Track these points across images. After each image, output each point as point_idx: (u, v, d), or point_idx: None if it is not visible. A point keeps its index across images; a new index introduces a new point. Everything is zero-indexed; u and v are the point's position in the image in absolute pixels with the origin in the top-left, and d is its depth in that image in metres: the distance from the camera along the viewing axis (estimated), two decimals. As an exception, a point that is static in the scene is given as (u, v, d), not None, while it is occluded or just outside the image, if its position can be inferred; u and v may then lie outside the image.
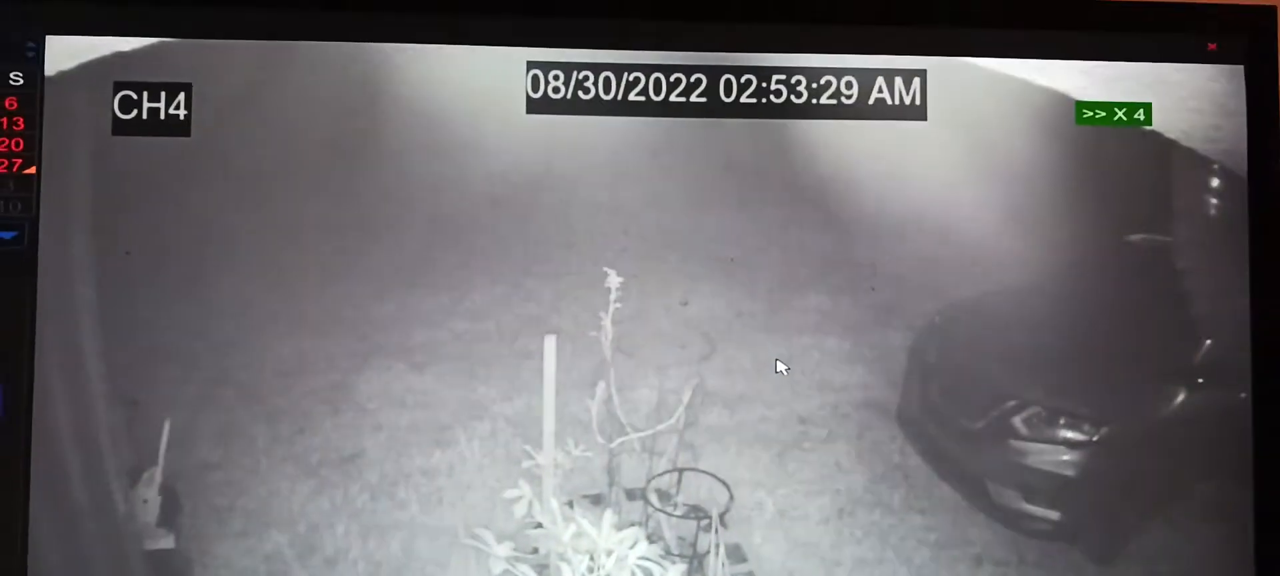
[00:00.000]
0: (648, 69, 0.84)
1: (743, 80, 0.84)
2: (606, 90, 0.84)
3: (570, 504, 0.82)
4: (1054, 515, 0.83)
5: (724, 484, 0.82)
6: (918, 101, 0.85)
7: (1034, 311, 0.84)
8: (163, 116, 0.82)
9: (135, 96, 0.82)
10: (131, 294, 0.80)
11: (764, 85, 0.84)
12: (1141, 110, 0.86)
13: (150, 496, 0.79)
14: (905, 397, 0.83)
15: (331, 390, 0.81)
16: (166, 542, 0.80)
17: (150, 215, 0.81)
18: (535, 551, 0.81)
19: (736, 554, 0.82)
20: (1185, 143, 0.87)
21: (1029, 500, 0.83)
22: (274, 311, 0.80)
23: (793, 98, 0.85)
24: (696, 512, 0.83)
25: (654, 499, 0.83)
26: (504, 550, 0.81)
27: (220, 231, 0.81)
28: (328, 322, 0.81)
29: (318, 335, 0.81)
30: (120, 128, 0.82)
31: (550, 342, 0.81)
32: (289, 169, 0.82)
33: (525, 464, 0.81)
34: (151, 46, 0.82)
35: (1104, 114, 0.86)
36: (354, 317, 0.81)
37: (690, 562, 0.82)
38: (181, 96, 0.82)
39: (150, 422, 0.79)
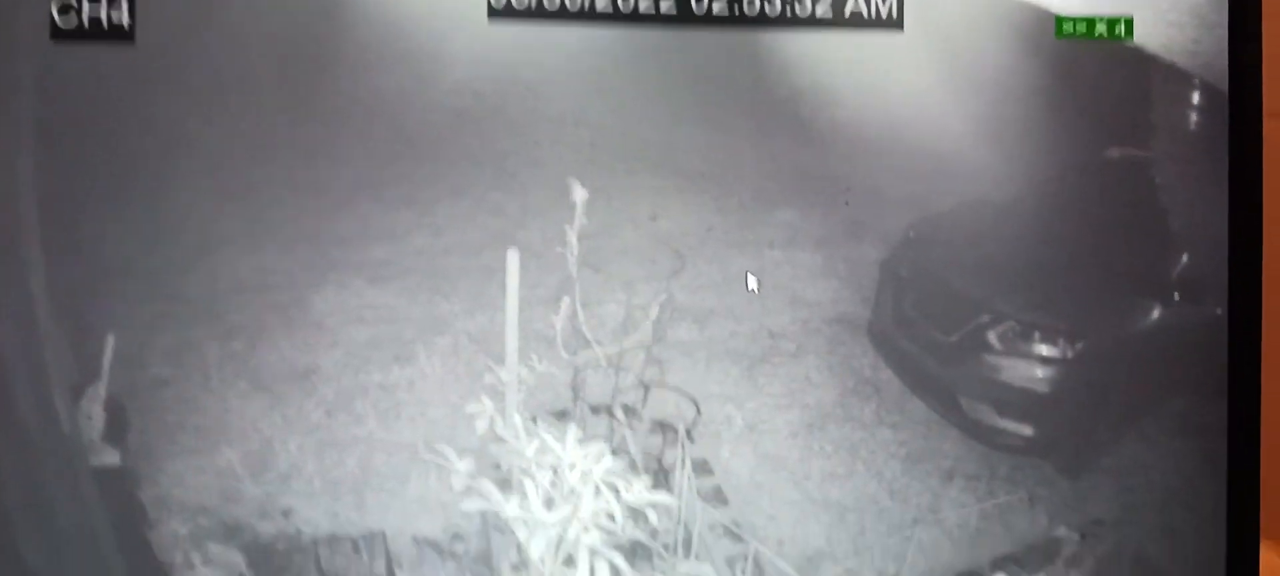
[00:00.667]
0: (615, -29, 0.80)
1: (714, -15, 0.81)
2: (571, -5, 0.80)
3: (534, 419, 0.80)
4: (1026, 430, 0.82)
5: (691, 399, 0.80)
6: (894, 12, 0.82)
7: (1010, 226, 0.82)
8: (105, 23, 0.77)
9: (74, 1, 0.77)
10: (77, 207, 0.76)
11: (736, -9, 0.81)
12: (1122, 24, 0.84)
13: (95, 412, 0.77)
14: (877, 312, 0.82)
15: (288, 306, 0.78)
16: (113, 459, 0.77)
17: (96, 126, 0.77)
18: (498, 467, 0.79)
19: (703, 468, 0.81)
20: (1165, 57, 0.84)
21: (1001, 414, 0.82)
22: (227, 226, 0.77)
23: (766, 7, 0.81)
24: (663, 427, 0.81)
25: (620, 414, 0.81)
26: (465, 466, 0.79)
27: (171, 143, 0.78)
28: (284, 238, 0.78)
29: (274, 250, 0.77)
30: (59, 34, 0.77)
31: (514, 257, 0.78)
32: (242, 79, 0.79)
33: (487, 379, 0.79)
34: (91, -56, 0.77)
35: (1084, 27, 0.83)
36: (312, 233, 0.78)
37: (656, 476, 0.80)
38: (124, 1, 0.77)
39: (94, 338, 0.76)
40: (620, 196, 0.79)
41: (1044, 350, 0.82)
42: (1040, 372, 0.82)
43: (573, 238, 0.78)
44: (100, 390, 0.77)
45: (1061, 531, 0.82)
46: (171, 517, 0.77)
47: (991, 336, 0.82)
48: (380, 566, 0.79)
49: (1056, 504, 0.82)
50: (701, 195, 0.80)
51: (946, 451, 0.82)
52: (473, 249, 0.79)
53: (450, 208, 0.79)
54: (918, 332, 0.82)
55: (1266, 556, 0.82)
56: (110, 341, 0.76)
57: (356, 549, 0.79)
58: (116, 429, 0.77)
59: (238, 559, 0.78)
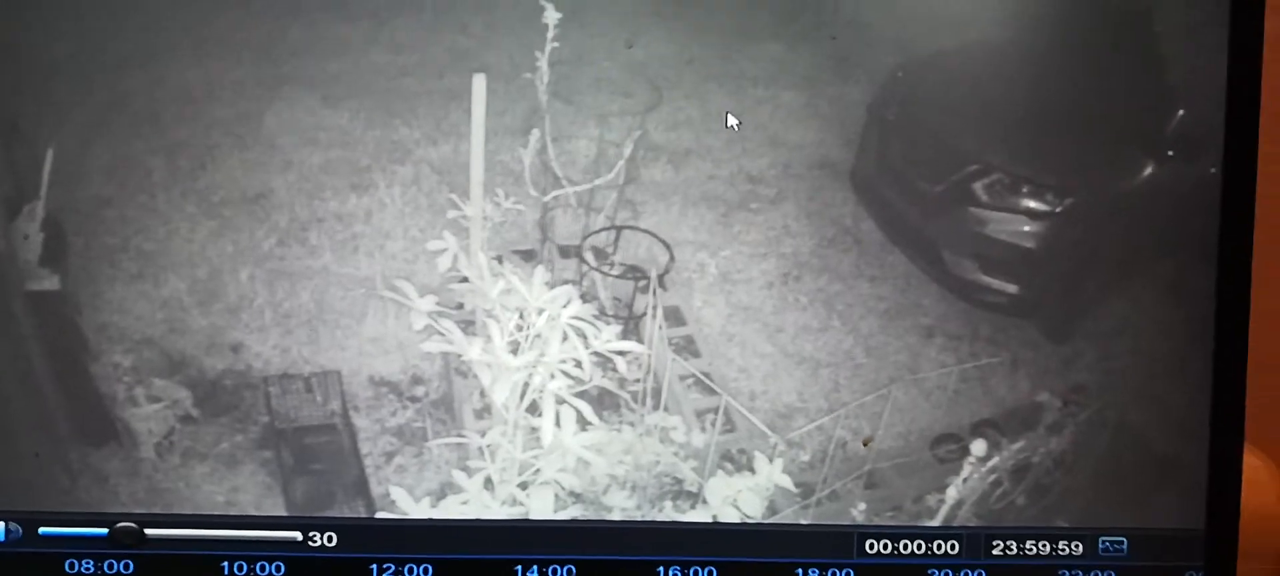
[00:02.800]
0: None
1: None
2: None
3: (499, 259, 0.76)
4: (1011, 288, 0.79)
5: (664, 243, 0.77)
6: None
7: (1002, 71, 0.78)
8: None
9: None
10: (10, 4, 0.71)
11: None
12: None
13: (31, 232, 0.72)
14: (861, 157, 0.78)
15: (236, 122, 0.73)
16: (51, 283, 0.73)
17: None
18: (460, 307, 0.76)
19: (675, 316, 0.78)
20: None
21: (986, 271, 0.79)
22: (173, 30, 0.72)
23: None
24: (634, 273, 0.77)
25: (589, 257, 0.78)
26: (426, 304, 0.75)
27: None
28: (232, 45, 0.72)
29: (223, 58, 0.72)
30: None
31: (479, 82, 0.74)
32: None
33: (450, 214, 0.76)
34: None
35: None
36: (263, 41, 0.72)
37: (626, 324, 0.77)
38: None
39: (32, 149, 0.71)
40: (595, 20, 0.75)
41: (1032, 205, 0.79)
42: (1027, 228, 0.79)
43: (543, 63, 0.74)
44: (38, 208, 0.72)
45: (1043, 396, 0.80)
46: (113, 348, 0.74)
47: (978, 188, 0.79)
48: (334, 407, 0.76)
49: (1039, 367, 0.80)
50: (682, 22, 0.76)
51: (927, 308, 0.79)
52: (434, 70, 0.74)
53: (412, 21, 0.74)
54: (902, 182, 0.79)
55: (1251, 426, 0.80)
56: (50, 155, 0.72)
57: (309, 388, 0.75)
58: (55, 251, 0.73)
59: (183, 395, 0.74)
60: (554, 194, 0.77)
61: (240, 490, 0.76)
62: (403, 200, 0.76)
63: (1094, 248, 0.80)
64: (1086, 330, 0.81)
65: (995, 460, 0.80)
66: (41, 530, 0.75)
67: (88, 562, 0.75)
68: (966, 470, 0.80)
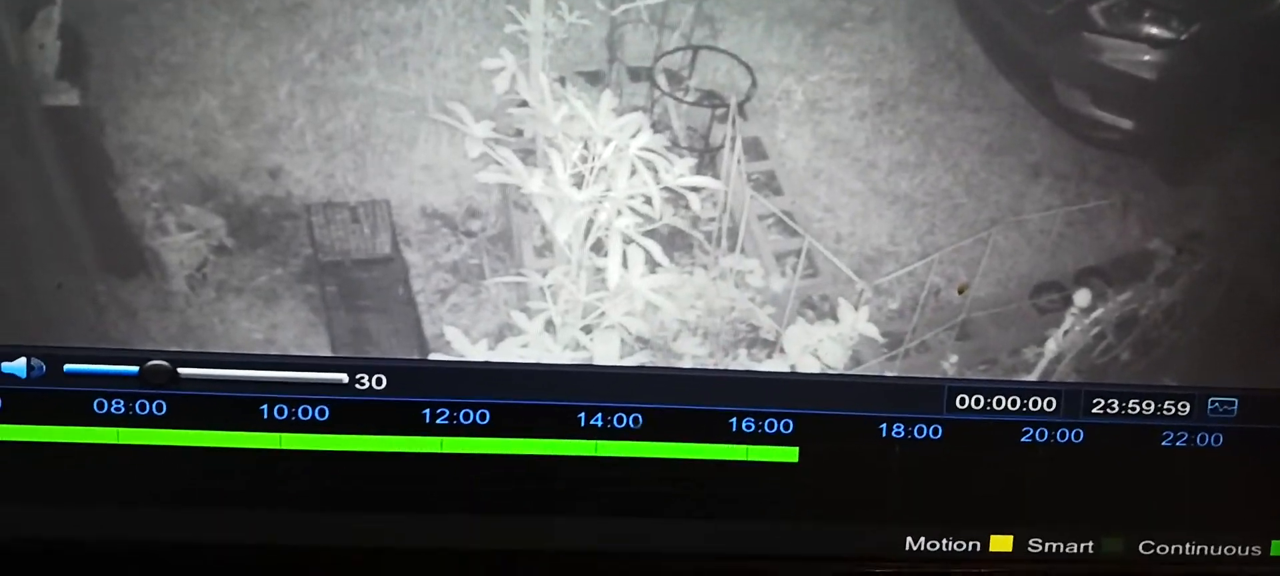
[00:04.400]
0: None
1: None
2: None
3: (562, 80, 0.69)
4: (1125, 123, 0.72)
5: (746, 66, 0.70)
6: None
7: (1130, -125, 0.69)
8: None
9: None
10: None
11: None
12: None
13: (47, 40, 0.65)
14: None
15: (272, -81, 0.65)
16: (70, 98, 0.66)
17: None
18: (519, 133, 0.69)
19: (755, 149, 0.71)
20: None
21: (1099, 103, 0.72)
22: None
23: None
24: (711, 99, 0.70)
25: (662, 81, 0.71)
26: (482, 130, 0.69)
27: None
28: None
29: None
30: None
31: (542, -123, 0.66)
32: None
33: (508, 28, 0.69)
34: None
35: None
36: None
37: (701, 157, 0.70)
38: None
39: None
40: None
41: (1153, 31, 0.72)
42: (1147, 57, 0.72)
43: None
44: (53, 14, 0.65)
45: (1155, 243, 0.74)
46: (140, 171, 0.67)
47: (1094, 11, 0.72)
48: (384, 241, 0.69)
49: (1152, 212, 0.73)
50: None
51: (1034, 143, 0.72)
52: None
53: None
54: (1011, 1, 0.70)
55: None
56: (63, -48, 0.64)
57: (356, 218, 0.69)
58: (74, 62, 0.66)
59: (217, 223, 0.68)
60: (623, 8, 0.69)
61: (280, 327, 0.70)
62: (455, 11, 0.68)
63: (1219, 82, 0.73)
64: (1206, 173, 0.74)
65: (1100, 311, 0.74)
66: (67, 367, 0.69)
67: (118, 402, 0.70)
68: (1068, 321, 0.74)
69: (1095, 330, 0.75)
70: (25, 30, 0.67)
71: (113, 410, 0.71)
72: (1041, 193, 0.73)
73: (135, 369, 0.71)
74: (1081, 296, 0.75)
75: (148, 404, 0.71)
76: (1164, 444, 0.76)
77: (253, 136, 0.69)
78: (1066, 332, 0.75)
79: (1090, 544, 0.77)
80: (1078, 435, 0.76)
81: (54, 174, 0.68)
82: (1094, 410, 0.75)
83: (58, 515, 0.71)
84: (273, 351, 0.71)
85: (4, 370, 0.70)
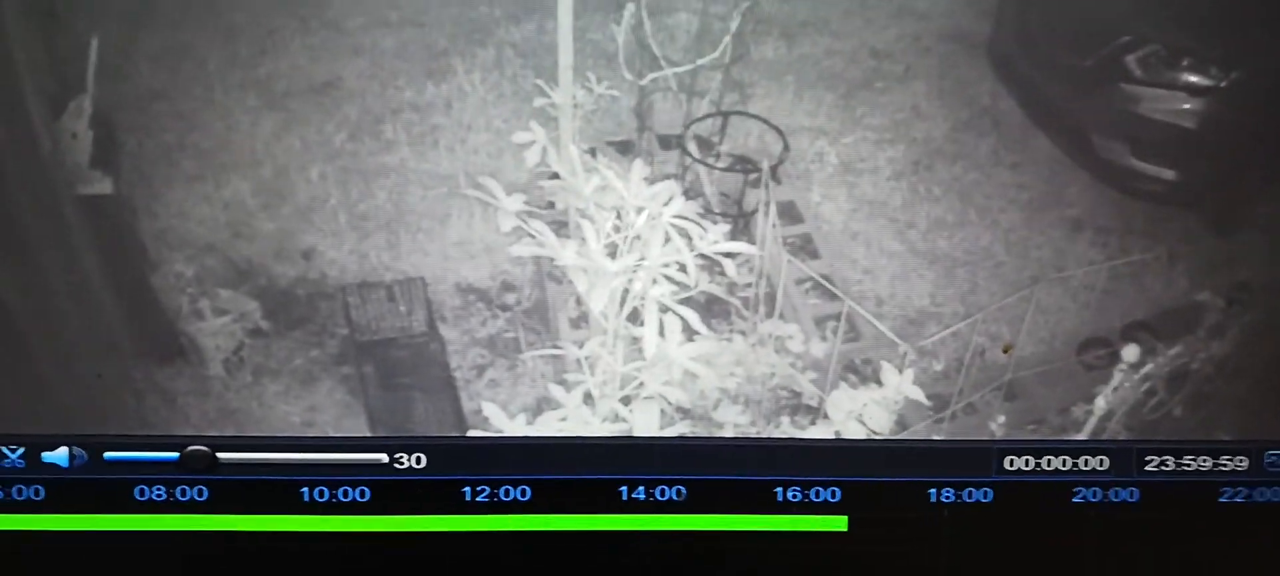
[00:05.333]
0: None
1: None
2: None
3: (593, 151, 0.69)
4: (1168, 174, 0.72)
5: (778, 130, 0.70)
6: None
7: (1160, -75, 0.69)
8: None
9: None
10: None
11: None
12: None
13: (79, 130, 0.66)
14: (999, 28, 0.71)
15: (299, 4, 0.65)
16: (103, 186, 0.67)
17: None
18: (551, 205, 0.70)
19: (790, 213, 0.71)
20: None
21: (1139, 155, 0.72)
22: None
23: None
24: (743, 164, 0.70)
25: (693, 148, 0.70)
26: (514, 204, 0.69)
27: None
28: (290, -87, 0.65)
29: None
30: None
31: (568, -50, 0.66)
32: None
33: (538, 101, 0.69)
34: None
35: None
36: (326, -91, 0.65)
37: (735, 222, 0.70)
38: None
39: (74, 38, 0.65)
40: (699, -126, 0.66)
41: (1192, 79, 0.71)
42: (1187, 106, 0.71)
43: (640, -73, 0.66)
44: (85, 104, 0.65)
45: (1204, 295, 0.73)
46: (174, 256, 0.68)
47: (1131, 61, 0.71)
48: (419, 317, 0.69)
49: (1199, 263, 0.73)
50: (798, -127, 0.67)
51: (1074, 198, 0.72)
52: (517, -63, 0.67)
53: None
54: (1045, 55, 0.71)
55: None
56: (93, 44, 0.64)
57: (392, 297, 0.69)
58: (106, 151, 0.67)
59: (251, 306, 0.68)
60: (652, 76, 0.70)
61: (318, 409, 0.70)
62: (484, 87, 0.69)
63: (1261, 128, 0.73)
64: (1252, 221, 0.73)
65: (1149, 366, 0.73)
66: (107, 454, 0.69)
67: (159, 489, 0.69)
68: (1117, 378, 0.73)
69: (1146, 386, 0.74)
70: (57, 120, 0.68)
71: (154, 497, 0.71)
72: (1084, 247, 0.73)
73: (175, 454, 0.70)
74: (1129, 352, 0.74)
75: (188, 489, 0.71)
76: (1222, 500, 0.74)
77: (285, 218, 0.69)
78: (1115, 389, 0.74)
79: (1149, 607, 0.76)
80: (1132, 494, 0.74)
81: (89, 263, 0.69)
82: (1148, 467, 0.74)
83: (98, 605, 0.71)
84: (311, 433, 0.71)
85: (46, 460, 0.70)
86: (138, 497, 0.72)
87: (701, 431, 0.73)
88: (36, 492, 0.71)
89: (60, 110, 0.68)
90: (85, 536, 0.72)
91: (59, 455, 0.71)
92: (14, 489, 0.71)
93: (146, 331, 0.69)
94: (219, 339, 0.70)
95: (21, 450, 0.71)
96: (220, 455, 0.72)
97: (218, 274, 0.70)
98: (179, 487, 0.72)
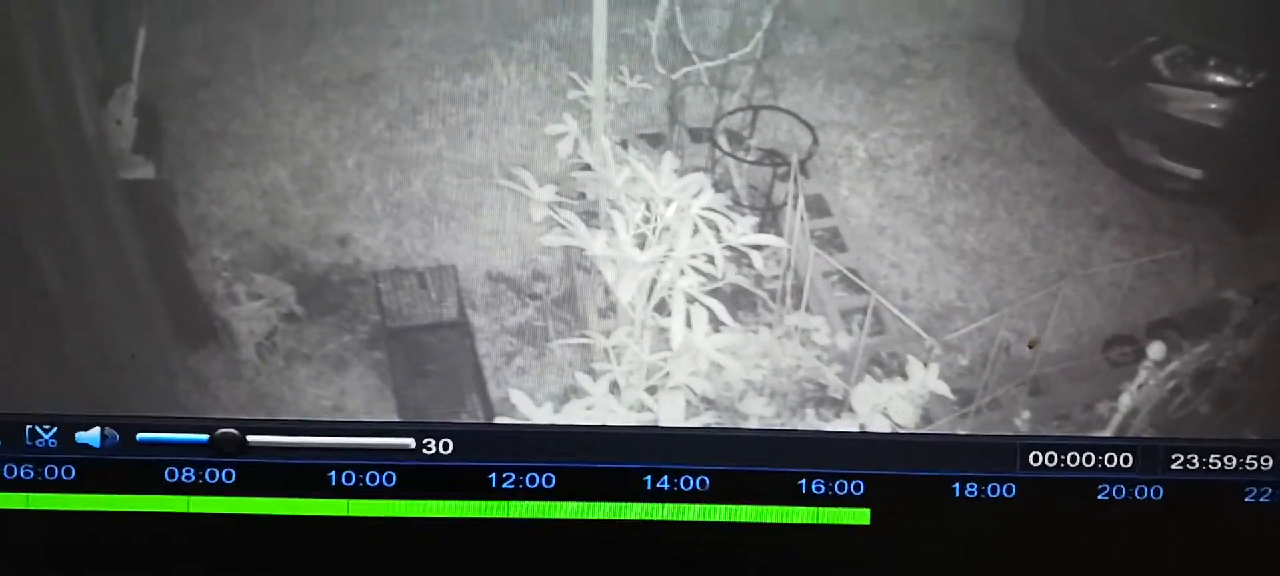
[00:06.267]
0: None
1: None
2: None
3: (624, 144, 0.71)
4: (1195, 172, 0.73)
5: (807, 125, 0.71)
6: None
7: (1187, -75, 0.70)
8: None
9: None
10: None
11: None
12: None
13: (124, 116, 0.68)
14: (1027, 27, 0.73)
15: (339, -6, 0.68)
16: (145, 171, 0.69)
17: None
18: (582, 196, 0.71)
19: (818, 206, 0.72)
20: None
21: (1167, 154, 0.72)
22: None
23: None
24: (772, 158, 0.71)
25: (723, 141, 0.71)
26: (546, 194, 0.70)
27: None
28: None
29: (321, -78, 0.67)
30: None
31: (602, -54, 0.68)
32: None
33: (571, 94, 0.71)
34: None
35: None
36: (367, -98, 0.67)
37: (763, 215, 0.71)
38: None
39: (122, 27, 0.66)
40: None
41: (1220, 79, 0.72)
42: (1214, 105, 0.72)
43: (672, -77, 0.67)
44: (130, 91, 0.67)
45: (1230, 293, 0.74)
46: (211, 241, 0.69)
47: (1159, 61, 0.72)
48: (450, 305, 0.71)
49: (1225, 262, 0.74)
50: None
51: (1100, 195, 0.72)
52: (554, -69, 0.68)
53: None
54: (1073, 54, 0.72)
55: None
56: (141, 34, 0.66)
57: (423, 284, 0.70)
58: (149, 137, 0.69)
59: (286, 291, 0.70)
60: (684, 71, 0.72)
61: (348, 394, 0.71)
62: (520, 80, 0.70)
63: (1289, 127, 0.73)
64: (1279, 220, 0.73)
65: (1175, 364, 0.74)
66: (139, 436, 0.71)
67: (188, 470, 0.71)
68: (1142, 375, 0.74)
69: (1171, 383, 0.74)
70: (103, 106, 0.70)
71: (183, 478, 0.72)
72: (1110, 245, 0.73)
73: (205, 437, 0.72)
74: (1155, 349, 0.74)
75: (217, 472, 0.72)
76: (1247, 500, 0.74)
77: (321, 205, 0.71)
78: (1141, 386, 0.74)
79: (1173, 606, 0.75)
80: (1156, 492, 0.74)
81: (128, 246, 0.71)
82: (1173, 466, 0.74)
83: (129, 584, 0.73)
84: (341, 418, 0.72)
85: (79, 440, 0.71)
86: (168, 479, 0.73)
87: (727, 422, 0.74)
88: (68, 472, 0.73)
89: (106, 97, 0.70)
90: (115, 517, 0.73)
91: (91, 435, 0.73)
92: (46, 468, 0.73)
93: (181, 314, 0.71)
94: (253, 323, 0.72)
95: (55, 430, 0.72)
96: (250, 438, 0.73)
97: (254, 259, 0.71)
98: (208, 469, 0.73)
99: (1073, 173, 0.74)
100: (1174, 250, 0.74)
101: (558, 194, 0.72)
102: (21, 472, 0.72)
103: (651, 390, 0.74)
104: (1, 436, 0.72)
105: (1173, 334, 0.76)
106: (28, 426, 0.72)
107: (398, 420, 0.73)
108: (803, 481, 0.75)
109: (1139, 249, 0.74)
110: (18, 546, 0.72)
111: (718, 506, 0.75)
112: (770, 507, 0.75)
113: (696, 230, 0.74)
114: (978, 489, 0.76)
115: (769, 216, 0.74)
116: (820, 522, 0.75)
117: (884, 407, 0.75)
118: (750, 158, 0.73)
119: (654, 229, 0.73)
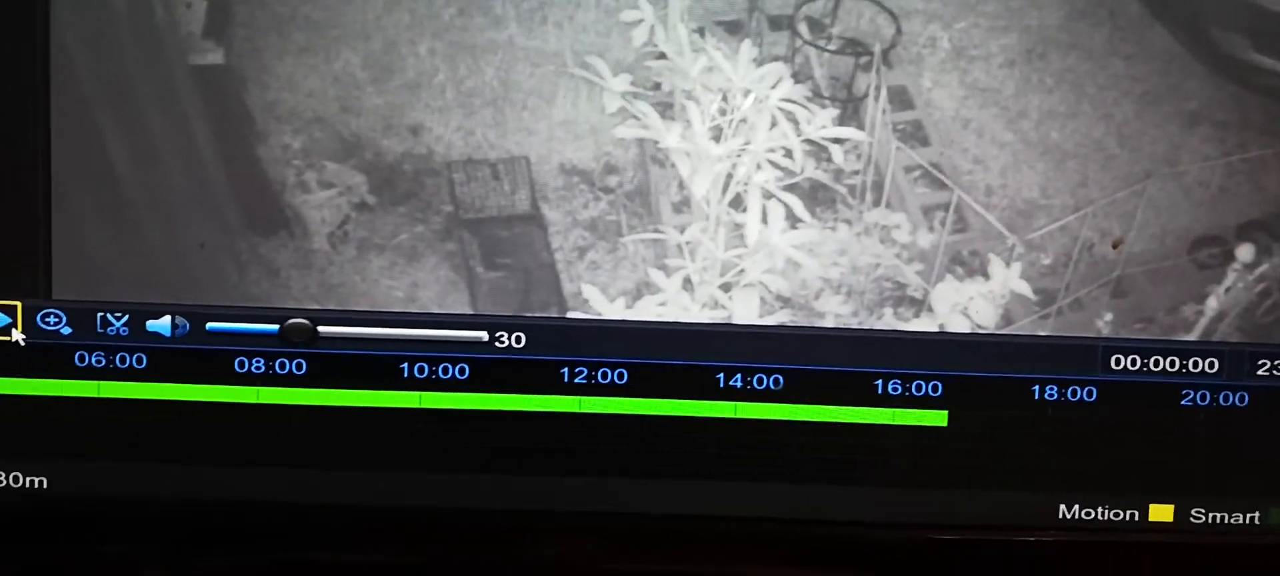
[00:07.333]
0: None
1: None
2: None
3: (701, 31, 0.69)
4: None
5: (890, 13, 0.70)
6: None
7: None
8: None
9: None
10: None
11: None
12: None
13: (194, 0, 0.66)
14: None
15: (413, -125, 0.66)
16: (215, 56, 0.69)
17: None
18: (657, 87, 0.70)
19: (901, 98, 0.70)
20: None
21: (1260, 48, 0.71)
22: None
23: None
24: (854, 47, 0.70)
25: (803, 29, 0.70)
26: (620, 83, 0.69)
27: None
28: None
29: None
30: None
31: None
32: None
33: None
34: None
35: None
36: None
37: (844, 107, 0.70)
38: None
39: None
40: None
41: None
42: None
43: None
44: (200, -27, 0.66)
45: None
46: (282, 128, 0.69)
47: None
48: (523, 197, 0.70)
49: None
50: None
51: (1190, 91, 0.70)
52: None
53: None
54: None
55: None
56: (210, -89, 0.65)
57: (496, 176, 0.69)
58: (219, 21, 0.68)
59: (358, 180, 0.69)
60: (764, -44, 0.70)
61: (421, 285, 0.71)
62: (594, -37, 0.69)
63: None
64: None
65: (1264, 267, 0.72)
66: (209, 325, 0.71)
67: (258, 361, 0.71)
68: (1230, 278, 0.72)
69: (1260, 287, 0.73)
70: (173, -10, 0.69)
71: (253, 369, 0.72)
72: (1199, 142, 0.71)
73: (276, 327, 0.72)
74: (1244, 251, 0.72)
75: (288, 362, 0.72)
76: (1334, 407, 0.73)
77: (393, 92, 0.70)
78: (1228, 290, 0.73)
79: (1256, 515, 0.75)
80: (1242, 398, 0.73)
81: (198, 133, 0.70)
82: (1259, 372, 0.73)
83: (197, 473, 0.73)
84: (413, 309, 0.71)
85: (150, 328, 0.71)
86: (237, 369, 0.73)
87: (802, 321, 0.73)
88: (139, 361, 0.73)
89: (175, -21, 0.69)
90: (186, 406, 0.73)
91: (162, 324, 0.73)
92: (118, 356, 0.73)
93: (251, 202, 0.71)
94: (324, 212, 0.71)
95: (126, 317, 0.73)
96: (321, 328, 0.73)
97: (325, 147, 0.70)
98: (278, 360, 0.73)
99: (1161, 68, 0.71)
100: (1266, 149, 0.72)
101: (632, 83, 0.71)
102: (93, 360, 0.73)
103: (726, 287, 0.73)
104: (74, 323, 0.72)
105: (1263, 236, 0.74)
106: (99, 314, 0.73)
107: (470, 312, 0.73)
108: (879, 382, 0.74)
109: (1229, 147, 0.72)
110: (89, 433, 0.73)
111: (792, 405, 0.75)
112: (845, 408, 0.75)
113: (774, 122, 0.72)
114: (1058, 392, 0.75)
115: (850, 108, 0.72)
116: (896, 424, 0.75)
117: (964, 307, 0.74)
118: (831, 47, 0.72)
119: (730, 121, 0.72)
